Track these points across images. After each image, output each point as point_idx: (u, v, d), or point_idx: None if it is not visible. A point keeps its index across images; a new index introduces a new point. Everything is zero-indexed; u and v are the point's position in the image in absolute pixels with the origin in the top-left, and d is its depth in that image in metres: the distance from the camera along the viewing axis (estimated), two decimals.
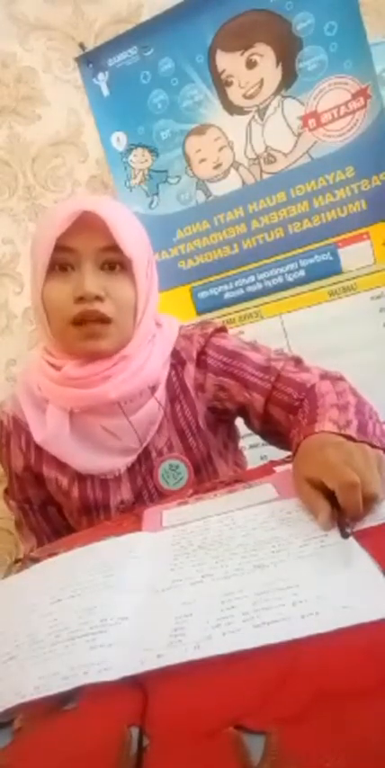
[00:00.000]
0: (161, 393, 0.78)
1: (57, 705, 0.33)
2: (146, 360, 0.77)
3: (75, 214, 0.68)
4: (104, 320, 0.71)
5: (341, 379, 0.75)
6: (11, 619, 0.47)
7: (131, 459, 0.78)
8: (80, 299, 0.70)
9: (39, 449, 0.79)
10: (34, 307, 0.75)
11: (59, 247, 0.69)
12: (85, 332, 0.71)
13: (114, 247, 0.70)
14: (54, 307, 0.72)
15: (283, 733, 0.27)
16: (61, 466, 0.79)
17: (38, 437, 0.77)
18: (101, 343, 0.72)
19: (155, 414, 0.78)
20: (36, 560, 0.61)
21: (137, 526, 0.61)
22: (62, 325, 0.72)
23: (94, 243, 0.70)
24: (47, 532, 0.86)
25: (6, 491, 0.88)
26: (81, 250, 0.70)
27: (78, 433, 0.76)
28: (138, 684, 0.33)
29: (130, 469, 0.79)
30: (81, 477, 0.79)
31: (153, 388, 0.78)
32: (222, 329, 0.86)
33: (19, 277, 1.83)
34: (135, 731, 0.29)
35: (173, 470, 0.79)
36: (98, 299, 0.70)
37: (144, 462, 0.79)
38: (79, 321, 0.71)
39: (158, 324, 0.82)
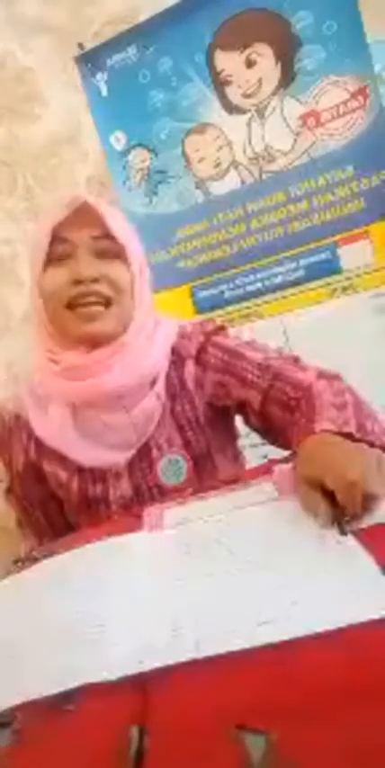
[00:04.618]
0: (160, 388, 0.79)
1: (57, 705, 0.33)
2: (144, 352, 0.78)
3: (70, 204, 0.71)
4: (102, 302, 0.73)
5: (337, 378, 0.75)
6: (11, 619, 0.47)
7: (131, 453, 0.78)
8: (77, 282, 0.72)
9: (39, 444, 0.80)
10: (32, 299, 0.77)
11: (55, 238, 0.72)
12: (82, 314, 0.73)
13: (107, 236, 0.73)
14: (51, 292, 0.73)
15: (284, 732, 0.27)
16: (61, 460, 0.79)
17: (40, 432, 0.78)
18: (97, 324, 0.74)
19: (154, 408, 0.78)
20: (36, 560, 0.61)
21: (137, 526, 0.62)
22: (59, 309, 0.74)
23: (88, 232, 0.73)
24: (47, 531, 0.86)
25: (8, 489, 0.88)
26: (76, 240, 0.73)
27: (80, 427, 0.77)
28: (139, 684, 0.33)
29: (130, 464, 0.79)
30: (81, 471, 0.79)
31: (152, 383, 0.78)
32: (222, 328, 0.87)
33: (19, 277, 1.83)
34: (135, 730, 0.29)
35: (172, 465, 0.79)
36: (95, 281, 0.72)
37: (144, 457, 0.79)
38: (76, 304, 0.73)
39: (157, 322, 0.83)
